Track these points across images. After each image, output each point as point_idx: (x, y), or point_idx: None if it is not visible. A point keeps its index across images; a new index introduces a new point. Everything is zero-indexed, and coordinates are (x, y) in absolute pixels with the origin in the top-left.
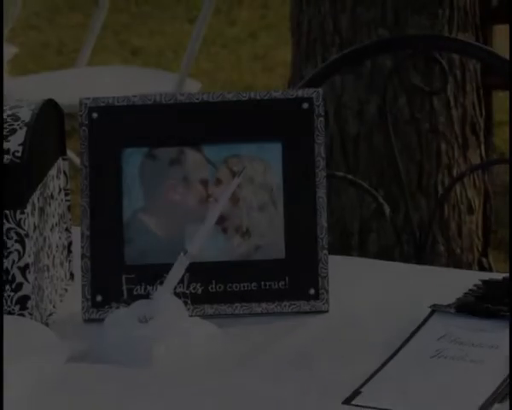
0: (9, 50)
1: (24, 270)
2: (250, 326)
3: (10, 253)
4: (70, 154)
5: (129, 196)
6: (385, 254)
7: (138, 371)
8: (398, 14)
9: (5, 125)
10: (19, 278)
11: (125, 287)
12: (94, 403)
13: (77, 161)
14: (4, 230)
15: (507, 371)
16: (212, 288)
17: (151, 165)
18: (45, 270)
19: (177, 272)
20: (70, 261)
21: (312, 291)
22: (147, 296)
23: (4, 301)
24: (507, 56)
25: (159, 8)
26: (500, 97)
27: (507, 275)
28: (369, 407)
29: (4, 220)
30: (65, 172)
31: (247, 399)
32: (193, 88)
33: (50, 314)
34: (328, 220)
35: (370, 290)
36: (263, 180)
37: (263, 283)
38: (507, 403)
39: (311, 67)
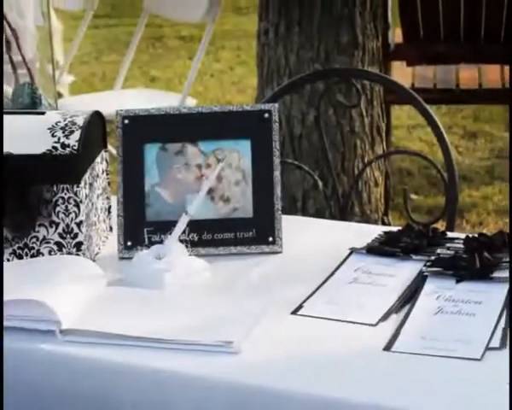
0: (68, 78)
1: (79, 225)
2: (229, 262)
3: (70, 213)
4: (109, 147)
5: (148, 175)
6: (319, 215)
7: (155, 292)
8: (328, 54)
9: (66, 128)
10: (75, 230)
11: (146, 236)
12: (124, 312)
13: (114, 152)
14: (66, 198)
15: (401, 292)
16: (204, 236)
17: (163, 155)
18: (93, 224)
19: (180, 226)
20: (109, 219)
21: (271, 239)
22: (161, 242)
23: (65, 245)
24: (401, 83)
25: (169, 50)
26: (396, 109)
27: (400, 228)
28: (309, 316)
29: (66, 191)
30: (106, 160)
31: (227, 310)
32: (191, 104)
33: (96, 254)
34: (281, 191)
35: (310, 238)
36: (238, 165)
37: (238, 233)
38: (401, 313)
39: (270, 89)
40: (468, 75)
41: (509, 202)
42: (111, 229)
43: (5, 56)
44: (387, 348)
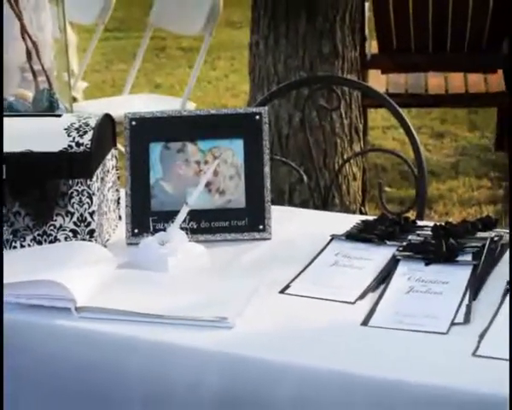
0: (82, 85)
1: (92, 214)
2: (224, 248)
3: (83, 204)
4: (118, 146)
5: (153, 170)
6: (304, 205)
7: (159, 274)
8: (312, 63)
9: (80, 129)
10: (88, 219)
11: (151, 224)
12: (132, 291)
13: (122, 150)
14: (80, 190)
15: (376, 274)
16: (202, 224)
17: (166, 152)
18: (104, 214)
19: (181, 215)
20: (119, 209)
21: (261, 227)
22: (164, 229)
23: (79, 232)
24: (376, 88)
25: (171, 59)
26: (372, 112)
27: (375, 217)
28: (295, 295)
29: (80, 185)
30: (115, 157)
31: (222, 289)
32: (191, 107)
33: (107, 240)
34: (270, 185)
35: (296, 226)
36: (232, 161)
37: (232, 221)
38: (376, 292)
39: (260, 94)
40: (435, 82)
41: (509, 199)
42: (120, 218)
43: (26, 65)
44: (364, 323)
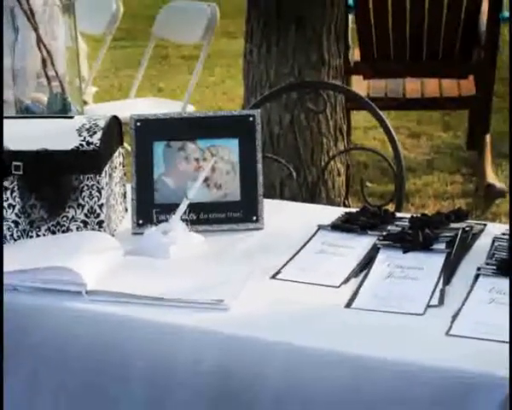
0: (92, 89)
1: (101, 206)
2: (221, 237)
3: (93, 197)
4: (125, 144)
5: (156, 166)
6: (293, 199)
7: (161, 261)
8: (300, 70)
9: (90, 129)
10: (98, 211)
11: (154, 215)
12: (137, 276)
13: (128, 148)
14: (90, 185)
15: (358, 260)
16: (201, 216)
17: (168, 150)
18: (112, 206)
19: (182, 207)
20: (125, 202)
21: (255, 218)
22: (166, 220)
23: (89, 223)
24: (358, 93)
25: (172, 66)
26: (354, 114)
27: (358, 209)
28: (285, 280)
29: (90, 180)
30: (122, 154)
31: (219, 275)
32: (190, 109)
33: (115, 230)
34: (262, 180)
35: (286, 218)
36: (228, 158)
37: (228, 213)
38: (359, 277)
39: (254, 98)
40: (412, 86)
41: (510, 198)
42: (126, 210)
43: (42, 72)
44: (348, 305)
